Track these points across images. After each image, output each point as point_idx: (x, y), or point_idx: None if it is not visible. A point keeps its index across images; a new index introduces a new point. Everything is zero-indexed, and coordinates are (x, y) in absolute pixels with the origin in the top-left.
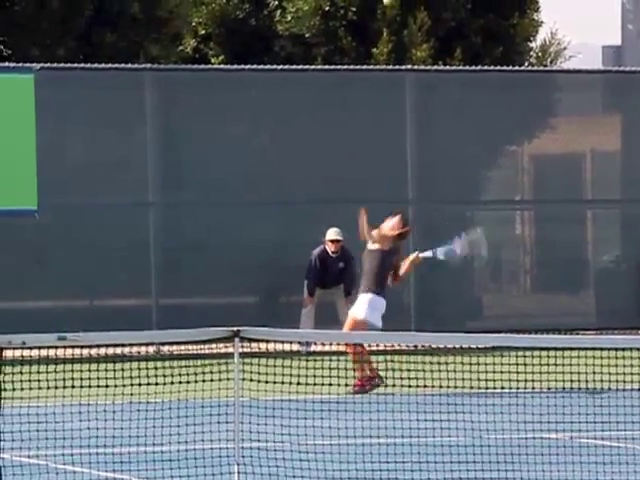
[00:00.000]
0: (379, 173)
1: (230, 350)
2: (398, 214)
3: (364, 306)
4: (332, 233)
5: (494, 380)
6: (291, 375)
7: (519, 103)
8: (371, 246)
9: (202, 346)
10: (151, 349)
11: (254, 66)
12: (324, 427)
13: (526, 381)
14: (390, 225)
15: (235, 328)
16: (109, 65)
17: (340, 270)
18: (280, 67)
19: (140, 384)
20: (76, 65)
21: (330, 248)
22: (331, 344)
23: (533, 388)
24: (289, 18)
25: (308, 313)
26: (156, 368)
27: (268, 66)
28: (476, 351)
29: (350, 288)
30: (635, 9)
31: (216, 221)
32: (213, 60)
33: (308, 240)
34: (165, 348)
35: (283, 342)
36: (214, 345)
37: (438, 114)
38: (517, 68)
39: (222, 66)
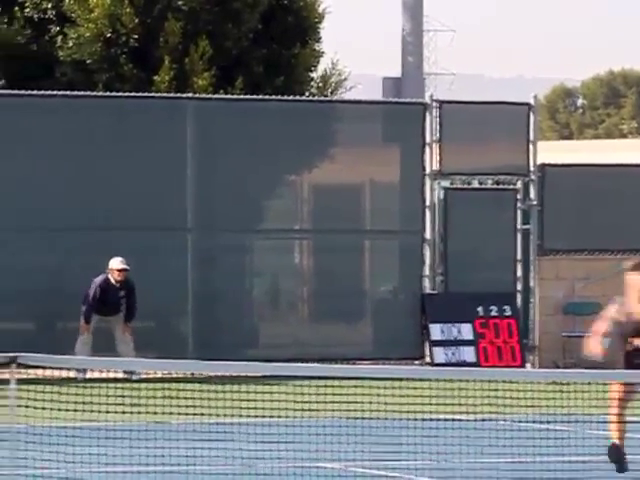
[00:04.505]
0: (159, 201)
1: (6, 376)
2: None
3: None
4: (118, 262)
5: (271, 409)
6: (67, 402)
7: (300, 133)
8: None
9: None
10: None
11: (34, 92)
12: (100, 454)
13: (303, 410)
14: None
15: (12, 354)
16: None
17: (120, 299)
18: (61, 93)
19: None
20: None
21: (116, 277)
22: (108, 371)
23: (310, 417)
24: (70, 44)
25: (84, 340)
26: None
27: (49, 92)
28: (254, 380)
29: (130, 316)
30: (415, 41)
31: None
32: None
33: (85, 266)
34: None
35: (60, 369)
36: None
37: (219, 142)
38: (297, 98)
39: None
